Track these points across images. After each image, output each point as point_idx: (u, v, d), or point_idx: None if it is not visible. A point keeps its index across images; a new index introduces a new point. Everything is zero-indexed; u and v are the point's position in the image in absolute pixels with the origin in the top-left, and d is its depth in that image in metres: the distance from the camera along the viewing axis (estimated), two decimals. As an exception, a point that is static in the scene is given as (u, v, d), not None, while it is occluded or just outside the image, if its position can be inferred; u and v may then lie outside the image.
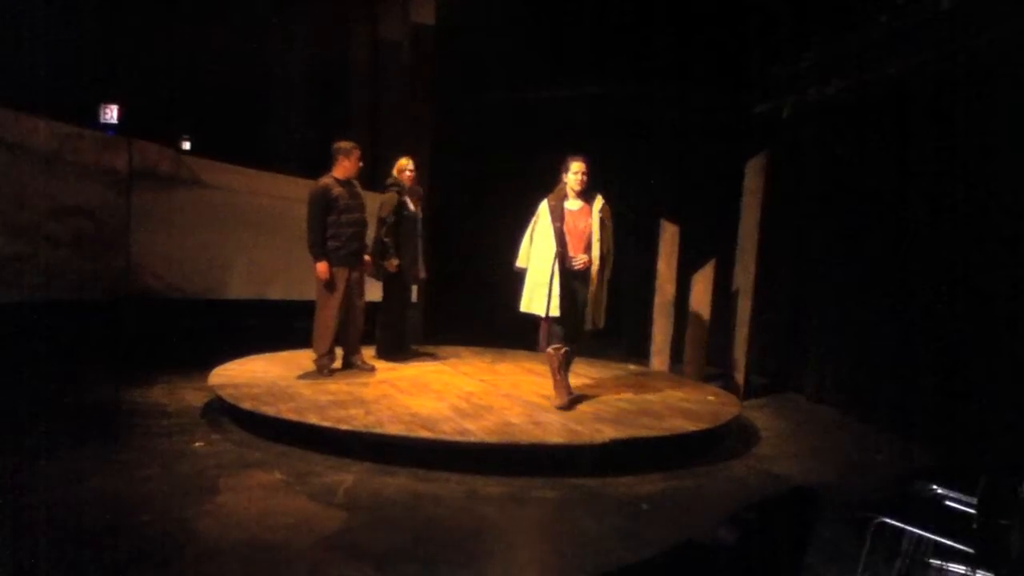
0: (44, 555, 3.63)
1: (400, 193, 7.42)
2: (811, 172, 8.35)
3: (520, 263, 6.26)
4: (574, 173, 6.08)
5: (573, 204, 6.12)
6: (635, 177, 9.83)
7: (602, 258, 6.09)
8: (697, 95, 9.23)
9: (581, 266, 5.99)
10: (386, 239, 7.30)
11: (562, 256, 5.98)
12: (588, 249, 6.06)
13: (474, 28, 9.41)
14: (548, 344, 6.33)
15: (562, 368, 6.23)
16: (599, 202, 6.16)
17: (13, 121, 6.79)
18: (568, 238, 6.04)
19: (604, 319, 6.21)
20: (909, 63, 6.53)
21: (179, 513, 4.22)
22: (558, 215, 6.06)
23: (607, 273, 6.20)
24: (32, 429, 5.62)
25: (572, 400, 6.27)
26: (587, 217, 6.09)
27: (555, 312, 5.96)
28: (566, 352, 6.20)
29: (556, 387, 6.27)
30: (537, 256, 6.08)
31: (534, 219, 6.19)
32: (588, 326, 6.10)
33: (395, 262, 7.31)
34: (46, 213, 6.99)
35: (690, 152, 9.64)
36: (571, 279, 6.00)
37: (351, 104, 9.60)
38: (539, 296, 6.01)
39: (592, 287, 6.03)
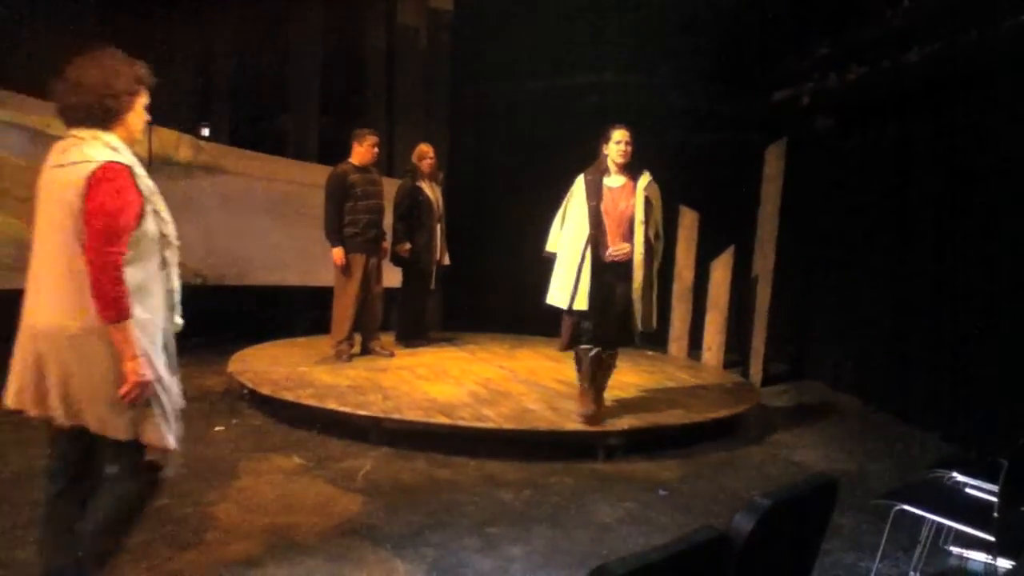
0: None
1: (415, 179, 7.42)
2: (829, 158, 8.29)
3: (550, 247, 5.44)
4: (616, 143, 5.24)
5: (614, 180, 5.28)
6: (653, 165, 9.77)
7: (649, 245, 5.23)
8: (716, 82, 9.15)
9: (621, 257, 5.17)
10: (397, 224, 7.31)
11: (595, 240, 5.16)
12: (629, 235, 5.20)
13: (490, 14, 9.37)
14: (570, 343, 5.46)
15: (589, 372, 5.40)
16: (646, 179, 5.28)
17: (33, 107, 6.83)
18: (605, 220, 5.19)
19: (656, 319, 5.39)
20: (928, 51, 6.45)
21: (199, 497, 4.26)
22: (595, 192, 5.22)
23: (656, 263, 5.37)
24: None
25: (595, 414, 5.42)
26: (630, 196, 5.22)
27: (581, 305, 5.14)
28: (597, 354, 5.35)
29: (580, 393, 5.49)
30: (567, 239, 5.26)
31: (567, 196, 5.38)
32: (639, 327, 5.26)
33: (407, 246, 7.31)
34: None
35: (709, 139, 9.57)
36: (605, 269, 5.18)
37: (368, 90, 9.59)
38: (564, 285, 5.20)
39: (637, 281, 5.19)
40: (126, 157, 2.74)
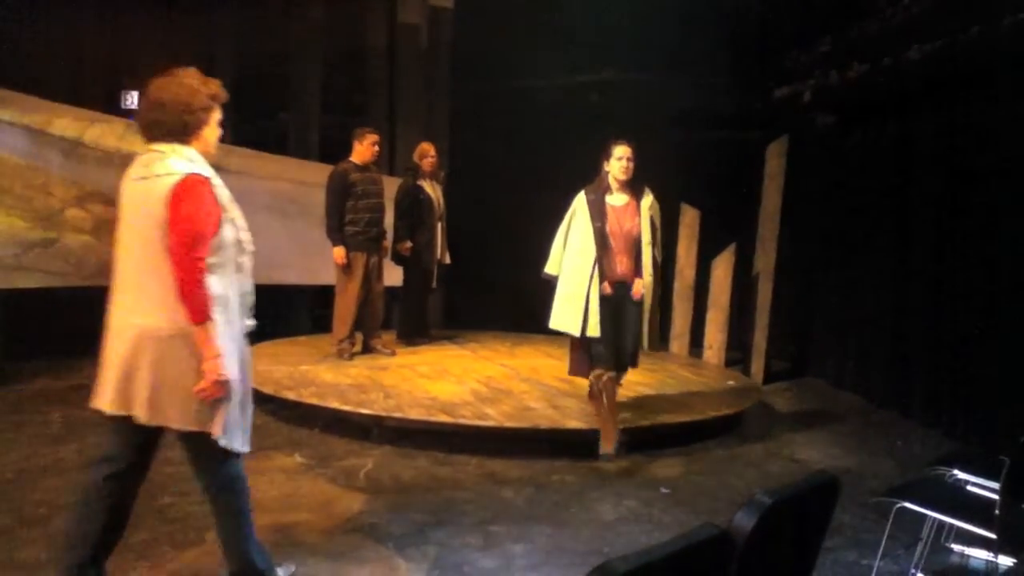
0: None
1: (416, 178, 7.42)
2: (830, 156, 8.28)
3: (550, 270, 5.23)
4: (617, 159, 5.06)
5: (617, 198, 5.13)
6: (654, 163, 9.76)
7: (656, 267, 5.16)
8: (716, 80, 9.15)
9: (636, 295, 5.09)
10: (398, 223, 7.32)
11: (602, 262, 5.02)
12: (636, 255, 5.10)
13: (491, 12, 9.36)
14: (580, 369, 5.27)
15: (610, 400, 5.11)
16: (648, 198, 5.16)
17: (36, 107, 6.84)
18: (611, 241, 5.06)
19: (658, 338, 5.39)
20: (929, 48, 6.44)
21: (201, 496, 4.25)
22: (599, 212, 5.04)
23: (657, 284, 5.28)
24: (55, 414, 5.69)
25: (622, 444, 5.19)
26: (634, 215, 5.09)
27: (593, 332, 4.98)
28: (610, 380, 5.13)
29: (602, 427, 5.15)
30: (572, 262, 5.08)
31: (568, 215, 5.19)
32: (646, 348, 5.27)
33: (408, 245, 7.32)
34: (68, 199, 7.05)
35: (710, 137, 9.57)
36: (611, 293, 5.07)
37: (369, 89, 9.58)
38: (573, 311, 5.01)
39: (648, 303, 5.12)
40: (205, 169, 2.95)
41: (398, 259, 7.45)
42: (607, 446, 5.10)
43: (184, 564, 3.47)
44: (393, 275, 7.63)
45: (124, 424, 2.93)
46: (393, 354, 7.11)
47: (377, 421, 5.37)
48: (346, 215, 6.69)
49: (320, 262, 7.56)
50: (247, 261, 3.07)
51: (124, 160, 7.32)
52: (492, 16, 9.36)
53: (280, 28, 9.11)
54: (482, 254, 9.20)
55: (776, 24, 8.71)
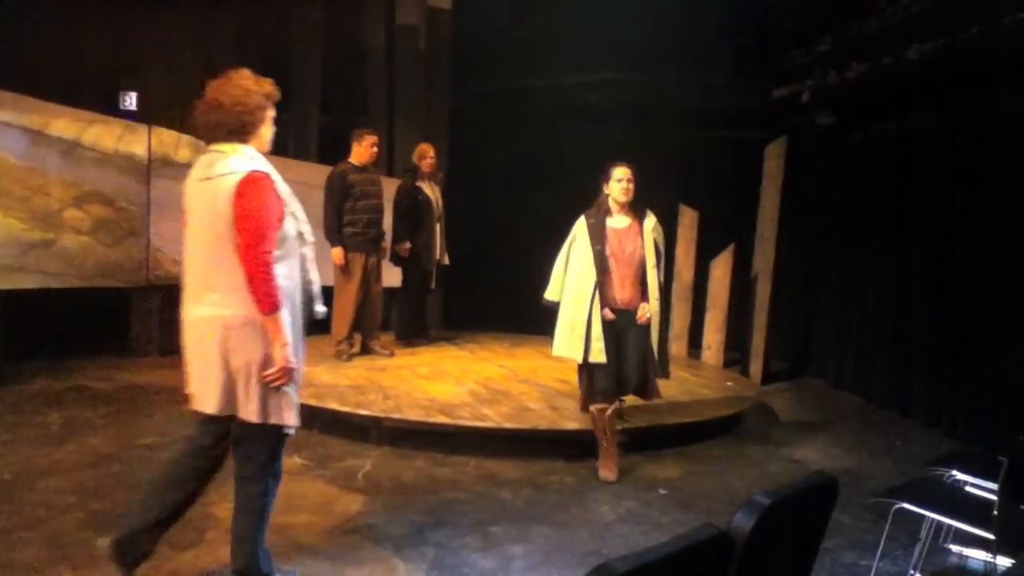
0: (66, 538, 3.68)
1: (415, 178, 7.42)
2: (829, 156, 8.29)
3: (551, 296, 5.09)
4: (617, 181, 4.89)
5: (618, 221, 4.97)
6: (653, 163, 9.77)
7: (661, 292, 5.03)
8: (715, 80, 9.15)
9: (643, 319, 4.91)
10: (397, 224, 7.32)
11: (603, 286, 4.88)
12: (639, 280, 4.95)
13: (489, 12, 9.37)
14: (590, 399, 5.06)
15: (609, 429, 4.96)
16: (651, 220, 5.01)
17: (34, 108, 6.84)
18: (613, 264, 4.90)
19: (668, 365, 5.20)
20: (929, 48, 6.44)
21: (199, 497, 4.25)
22: (599, 235, 4.89)
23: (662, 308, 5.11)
24: (53, 415, 5.69)
25: (620, 444, 5.06)
26: (636, 238, 4.93)
27: (598, 357, 4.83)
28: (616, 411, 5.01)
29: (602, 455, 4.98)
30: (573, 287, 4.92)
31: (568, 240, 5.05)
32: (659, 375, 5.06)
33: (407, 246, 7.32)
34: (67, 200, 7.05)
35: (709, 137, 9.57)
36: (616, 318, 4.92)
37: (368, 90, 9.58)
38: (575, 337, 4.86)
39: (655, 329, 4.97)
40: (264, 165, 3.09)
41: (397, 260, 7.45)
42: (608, 474, 4.91)
43: (182, 564, 3.47)
44: (392, 276, 7.63)
45: (203, 416, 3.12)
46: (392, 355, 7.11)
47: (376, 422, 5.37)
48: (345, 216, 6.69)
49: (319, 263, 7.54)
50: (308, 252, 3.23)
51: (122, 160, 7.40)
52: (490, 16, 9.37)
53: (279, 29, 9.10)
54: (481, 255, 9.20)
55: (775, 24, 8.71)
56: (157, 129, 7.69)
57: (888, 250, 7.17)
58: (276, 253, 2.99)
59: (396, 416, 5.33)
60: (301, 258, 3.19)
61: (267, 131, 3.22)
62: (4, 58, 7.05)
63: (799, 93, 8.38)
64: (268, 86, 3.21)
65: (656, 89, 9.27)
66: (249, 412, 3.04)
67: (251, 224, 2.93)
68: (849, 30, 7.54)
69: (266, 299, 2.93)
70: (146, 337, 7.70)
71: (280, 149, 8.95)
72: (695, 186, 8.67)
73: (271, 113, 3.23)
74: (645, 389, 5.08)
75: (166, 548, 3.61)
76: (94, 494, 4.23)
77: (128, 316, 7.72)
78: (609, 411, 4.90)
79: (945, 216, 6.46)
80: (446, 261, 7.71)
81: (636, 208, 4.97)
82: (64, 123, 7.04)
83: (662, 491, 4.80)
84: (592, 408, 4.96)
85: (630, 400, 5.39)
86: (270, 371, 2.98)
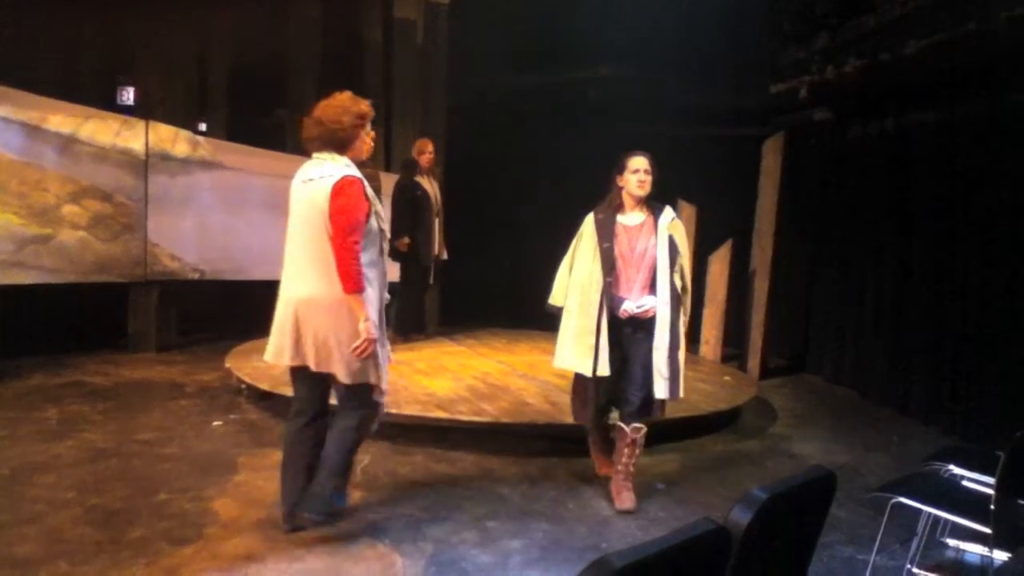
0: (64, 534, 3.68)
1: (412, 174, 7.41)
2: (827, 151, 8.29)
3: (555, 301, 4.55)
4: (633, 172, 4.34)
5: (631, 218, 4.40)
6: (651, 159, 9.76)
7: (675, 297, 4.39)
8: (713, 76, 9.15)
9: (642, 314, 4.29)
10: (396, 219, 7.31)
11: (611, 289, 4.30)
12: (651, 283, 4.35)
13: (487, 7, 9.35)
14: (583, 414, 4.56)
15: (613, 449, 4.50)
16: (669, 215, 4.42)
17: (31, 103, 6.82)
18: (621, 264, 4.33)
19: (683, 386, 4.45)
20: (926, 43, 6.44)
21: (198, 492, 4.26)
22: (608, 231, 4.34)
23: (685, 318, 4.52)
24: (51, 410, 5.69)
25: (632, 505, 4.38)
26: (650, 236, 4.36)
27: (604, 371, 4.26)
28: (619, 430, 4.43)
29: (615, 484, 4.44)
30: (579, 289, 4.37)
31: (575, 239, 4.51)
32: (665, 395, 4.34)
33: (406, 241, 7.31)
34: (64, 195, 7.03)
35: (707, 132, 9.57)
36: (623, 323, 4.31)
37: (365, 84, 9.56)
38: (583, 347, 4.29)
39: (661, 341, 4.30)
40: (356, 172, 3.68)
41: (395, 255, 7.45)
42: (624, 502, 4.38)
43: (181, 561, 3.47)
44: (390, 271, 7.61)
45: (302, 376, 3.78)
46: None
47: (374, 417, 5.36)
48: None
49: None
50: (386, 246, 3.89)
51: (120, 156, 7.39)
52: (488, 11, 9.36)
53: (276, 24, 9.09)
54: (479, 250, 9.20)
55: (772, 20, 8.70)
56: (155, 124, 7.68)
57: (886, 246, 7.18)
58: (363, 243, 3.60)
59: (394, 411, 5.32)
60: (381, 249, 3.80)
61: (360, 145, 3.77)
62: (1, 53, 7.04)
63: (797, 89, 8.38)
64: (363, 107, 3.75)
65: (654, 85, 9.26)
66: (342, 375, 3.64)
67: (343, 219, 3.54)
68: (847, 26, 7.54)
69: (351, 281, 3.53)
70: (144, 332, 7.69)
71: (278, 144, 9.00)
72: (693, 182, 8.66)
73: (365, 129, 3.76)
74: (647, 408, 4.40)
75: (164, 544, 3.62)
76: (92, 490, 4.22)
77: (126, 311, 7.71)
78: (615, 428, 4.47)
79: (943, 212, 6.47)
80: (445, 256, 7.71)
81: (652, 203, 4.43)
82: (61, 118, 7.03)
83: (660, 486, 4.81)
84: (593, 430, 4.61)
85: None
86: (357, 342, 3.54)
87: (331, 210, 3.56)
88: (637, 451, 4.43)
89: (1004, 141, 5.84)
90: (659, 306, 4.33)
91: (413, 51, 9.51)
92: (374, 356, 3.65)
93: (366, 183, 3.67)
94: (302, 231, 3.71)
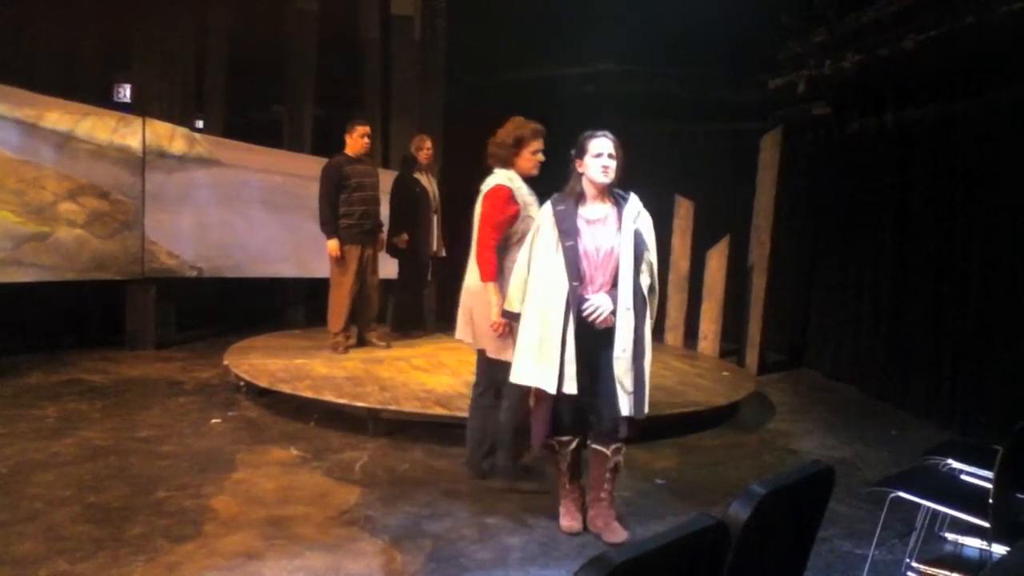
0: (63, 532, 3.68)
1: (410, 170, 7.41)
2: (826, 146, 8.29)
3: (510, 305, 4.03)
4: (595, 156, 3.76)
5: (592, 210, 3.82)
6: (649, 154, 9.76)
7: (640, 299, 3.77)
8: (711, 70, 9.14)
9: (602, 323, 3.71)
10: (394, 216, 7.31)
11: (576, 293, 3.72)
12: (614, 284, 3.75)
13: (484, 2, 9.33)
14: (542, 436, 3.99)
15: (569, 469, 4.03)
16: (634, 207, 3.84)
17: (28, 100, 6.81)
18: (585, 264, 3.76)
19: (647, 402, 3.81)
20: (925, 38, 6.43)
21: (197, 489, 4.26)
22: (570, 227, 3.76)
23: (650, 322, 3.86)
24: (49, 408, 5.68)
25: (577, 530, 3.98)
26: (614, 232, 3.78)
27: (570, 388, 3.72)
28: (578, 448, 4.01)
29: (563, 499, 4.07)
30: (539, 293, 3.81)
31: (531, 234, 3.96)
32: (627, 411, 3.72)
33: (404, 238, 7.31)
34: (61, 192, 7.02)
35: (705, 127, 9.56)
36: (588, 333, 3.74)
37: (363, 81, 9.55)
38: (545, 359, 3.74)
39: (622, 350, 3.69)
40: (512, 183, 4.34)
41: (394, 252, 7.45)
42: (571, 523, 4.01)
43: (180, 558, 3.47)
44: (388, 268, 7.62)
45: (479, 353, 4.49)
46: (388, 347, 7.10)
47: (373, 414, 5.37)
48: (340, 208, 6.67)
49: (314, 255, 7.56)
50: None
51: (117, 153, 7.38)
52: (486, 7, 9.33)
53: (273, 20, 9.07)
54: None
55: (770, 14, 8.69)
56: (152, 121, 7.66)
57: (885, 241, 7.18)
58: (511, 243, 4.26)
59: (393, 408, 5.33)
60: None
61: (522, 162, 4.39)
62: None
63: (795, 84, 8.36)
64: (526, 130, 4.41)
65: (651, 80, 9.25)
66: (489, 350, 4.32)
67: (484, 220, 4.29)
68: (845, 20, 7.53)
69: (485, 271, 4.25)
70: (142, 330, 7.68)
71: (275, 141, 8.99)
72: (691, 176, 8.67)
73: (528, 149, 4.38)
74: (615, 428, 3.85)
75: (163, 541, 3.62)
76: (91, 487, 4.23)
77: (124, 309, 7.70)
78: (574, 444, 3.98)
79: (942, 205, 6.46)
80: (443, 253, 7.70)
81: (616, 192, 3.87)
82: (58, 115, 7.02)
83: (659, 481, 4.81)
84: (554, 441, 3.98)
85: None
86: (495, 322, 4.17)
87: (480, 212, 4.34)
88: (619, 475, 4.02)
89: (1003, 135, 5.83)
90: (620, 310, 3.70)
91: (411, 47, 9.48)
92: (511, 335, 4.07)
93: (521, 191, 4.32)
94: (474, 231, 4.40)
